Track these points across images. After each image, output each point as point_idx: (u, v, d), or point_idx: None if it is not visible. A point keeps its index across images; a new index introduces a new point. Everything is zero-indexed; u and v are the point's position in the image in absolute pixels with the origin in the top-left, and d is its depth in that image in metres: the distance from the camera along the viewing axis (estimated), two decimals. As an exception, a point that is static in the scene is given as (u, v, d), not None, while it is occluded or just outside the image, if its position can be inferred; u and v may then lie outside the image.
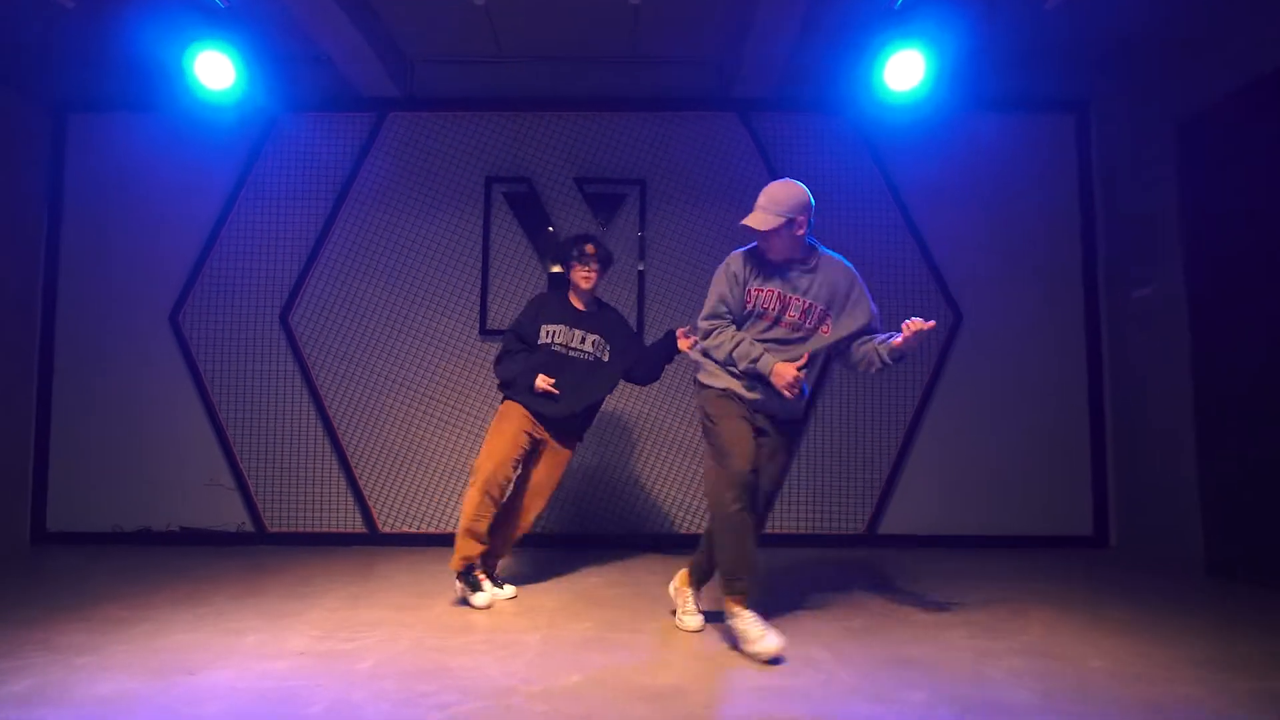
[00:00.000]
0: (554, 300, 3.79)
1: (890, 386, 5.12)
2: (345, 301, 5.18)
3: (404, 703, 2.24)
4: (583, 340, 3.68)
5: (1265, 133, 3.94)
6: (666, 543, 4.95)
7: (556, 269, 5.12)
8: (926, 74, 4.74)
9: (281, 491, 5.08)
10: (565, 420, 3.66)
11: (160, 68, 4.86)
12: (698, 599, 3.14)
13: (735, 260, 2.98)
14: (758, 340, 2.92)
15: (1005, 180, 5.22)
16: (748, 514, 2.79)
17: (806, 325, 2.93)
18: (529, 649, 2.76)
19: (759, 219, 2.86)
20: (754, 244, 2.99)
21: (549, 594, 3.66)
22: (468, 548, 3.46)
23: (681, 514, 5.08)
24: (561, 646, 2.80)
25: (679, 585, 3.17)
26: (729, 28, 4.83)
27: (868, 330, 2.96)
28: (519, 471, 3.70)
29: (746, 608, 2.78)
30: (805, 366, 2.88)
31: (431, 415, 5.12)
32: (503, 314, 5.15)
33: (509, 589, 3.61)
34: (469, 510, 3.48)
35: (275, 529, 5.05)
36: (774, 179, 5.10)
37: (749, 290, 2.93)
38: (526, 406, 3.61)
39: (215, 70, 4.80)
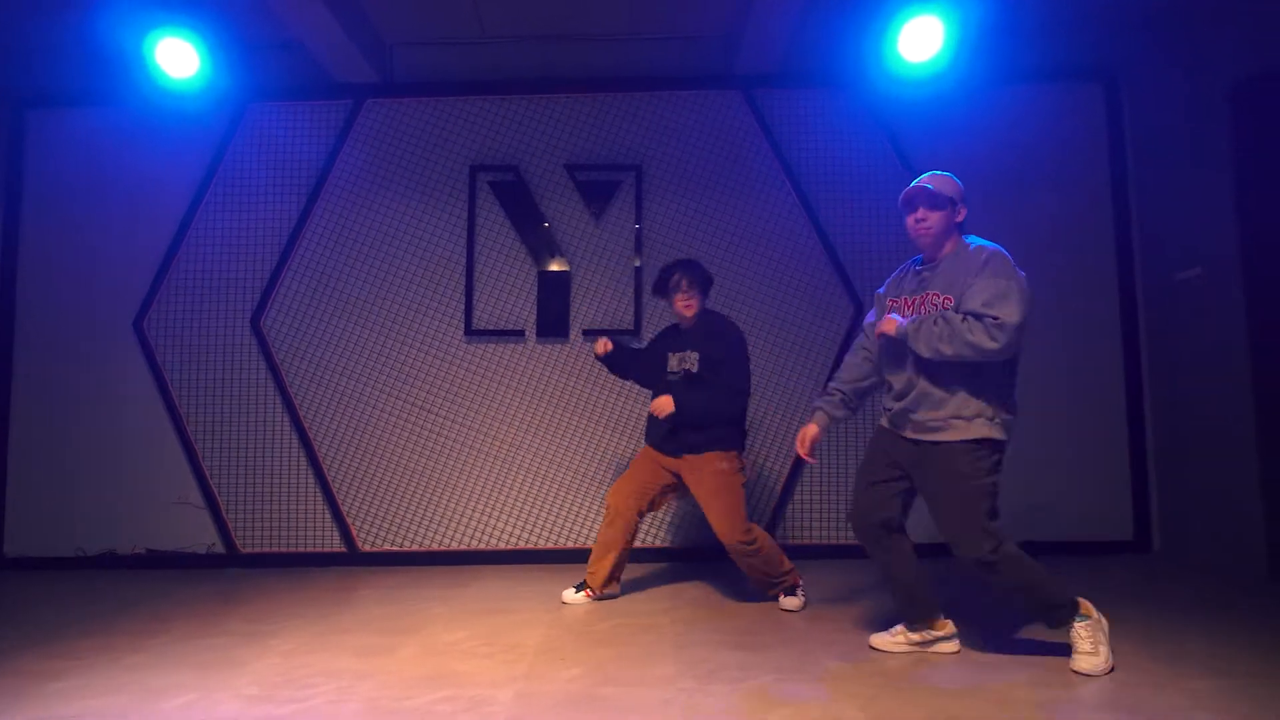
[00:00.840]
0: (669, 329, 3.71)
1: (911, 384, 4.57)
2: (321, 303, 4.67)
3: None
4: (680, 361, 3.46)
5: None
6: (684, 556, 4.44)
7: (556, 267, 4.63)
8: (945, 44, 4.23)
9: (254, 509, 4.57)
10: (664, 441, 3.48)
11: (121, 58, 4.39)
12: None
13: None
14: None
15: (1031, 158, 4.66)
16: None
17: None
18: (498, 712, 2.24)
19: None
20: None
21: (532, 627, 3.14)
22: None
23: (681, 523, 4.56)
24: (539, 707, 2.28)
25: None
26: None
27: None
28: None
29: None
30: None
31: (414, 423, 4.61)
32: (489, 312, 4.64)
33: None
34: None
35: (248, 549, 4.54)
36: (780, 162, 4.70)
37: None
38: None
39: (178, 58, 4.34)
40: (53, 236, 4.72)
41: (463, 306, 4.64)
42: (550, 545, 4.52)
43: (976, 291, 2.45)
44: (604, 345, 3.54)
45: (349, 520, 4.54)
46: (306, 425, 4.59)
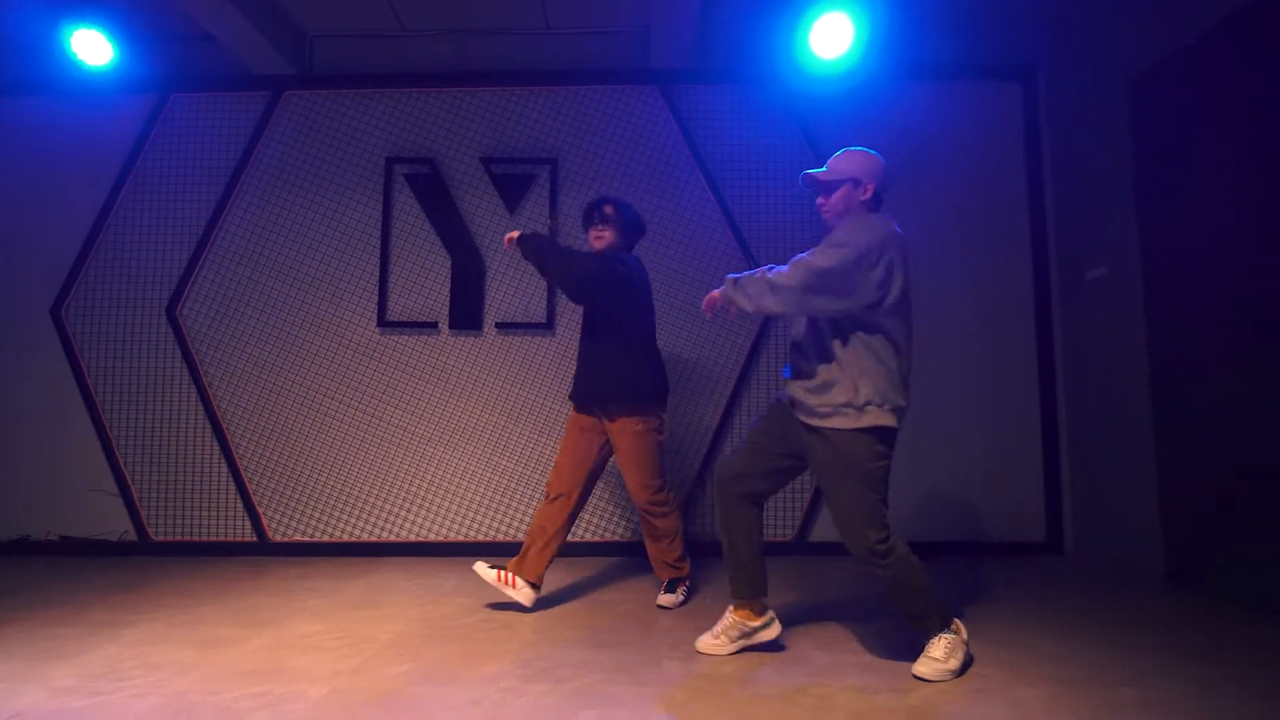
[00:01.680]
0: None
1: (823, 381, 4.45)
2: (236, 293, 4.58)
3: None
4: None
5: (1220, 87, 3.25)
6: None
7: (470, 259, 4.51)
8: (856, 40, 4.12)
9: (167, 497, 4.49)
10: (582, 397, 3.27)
11: (38, 47, 4.33)
12: None
13: None
14: None
15: (947, 153, 4.52)
16: None
17: None
18: (295, 711, 2.14)
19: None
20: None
21: (393, 622, 3.04)
22: None
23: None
24: (340, 704, 2.18)
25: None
26: (639, -9, 4.20)
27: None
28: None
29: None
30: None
31: (327, 414, 4.52)
32: (403, 304, 4.54)
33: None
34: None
35: (160, 538, 4.46)
36: (695, 156, 4.58)
37: None
38: None
39: (93, 48, 4.27)
40: (-26, 224, 4.65)
41: (376, 298, 4.55)
42: (459, 538, 4.43)
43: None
44: (509, 238, 3.20)
45: (260, 510, 4.46)
46: (219, 413, 4.50)
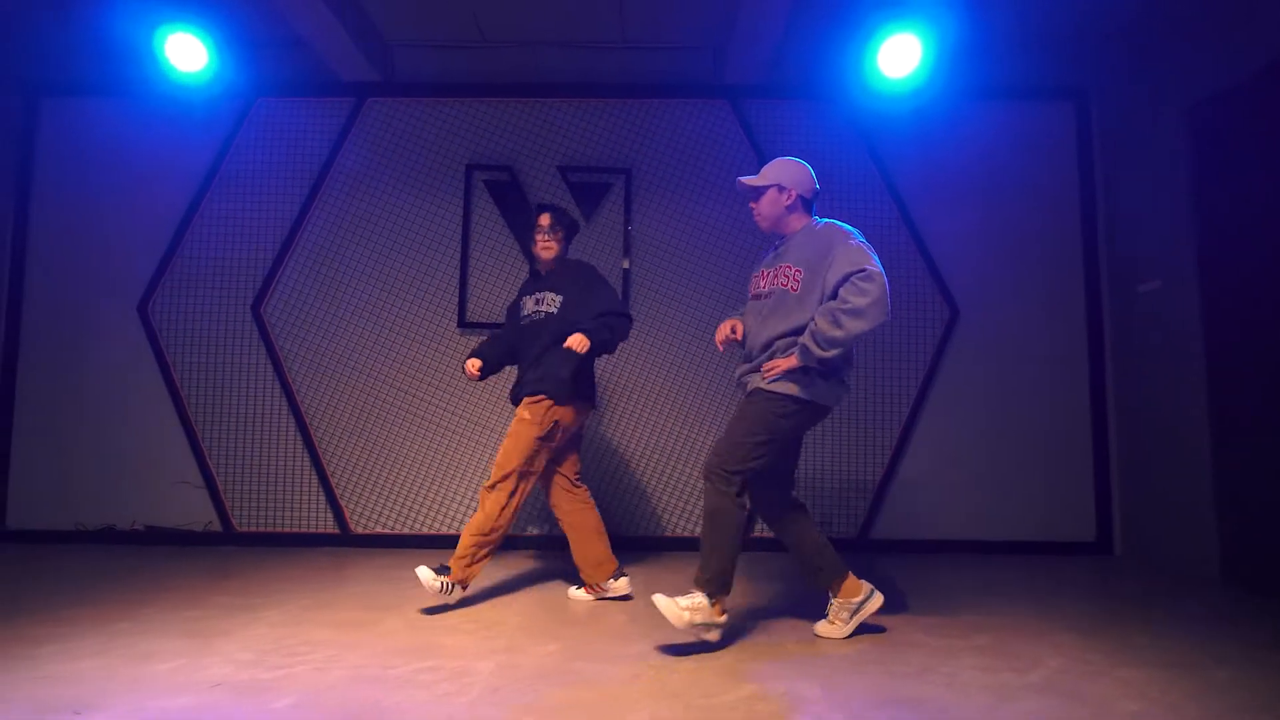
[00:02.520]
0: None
1: (884, 385, 4.62)
2: (320, 292, 4.67)
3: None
4: (537, 302, 3.29)
5: (1289, 116, 3.44)
6: (658, 545, 4.46)
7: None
8: (923, 60, 4.27)
9: (251, 489, 4.57)
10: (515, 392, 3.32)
11: (132, 50, 4.40)
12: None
13: None
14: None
15: (1005, 171, 4.70)
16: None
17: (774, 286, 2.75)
18: (477, 682, 2.26)
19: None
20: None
21: (512, 607, 3.16)
22: None
23: (670, 516, 4.58)
24: (516, 678, 2.30)
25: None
26: (719, 11, 4.34)
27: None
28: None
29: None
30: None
31: (408, 411, 4.61)
32: (482, 306, 4.65)
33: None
34: None
35: (244, 528, 4.54)
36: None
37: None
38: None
39: (187, 53, 4.35)
40: (61, 220, 4.72)
41: (457, 299, 4.65)
42: (537, 532, 4.53)
43: (834, 267, 2.60)
44: (472, 367, 3.31)
45: (342, 503, 4.54)
46: (303, 409, 4.59)
